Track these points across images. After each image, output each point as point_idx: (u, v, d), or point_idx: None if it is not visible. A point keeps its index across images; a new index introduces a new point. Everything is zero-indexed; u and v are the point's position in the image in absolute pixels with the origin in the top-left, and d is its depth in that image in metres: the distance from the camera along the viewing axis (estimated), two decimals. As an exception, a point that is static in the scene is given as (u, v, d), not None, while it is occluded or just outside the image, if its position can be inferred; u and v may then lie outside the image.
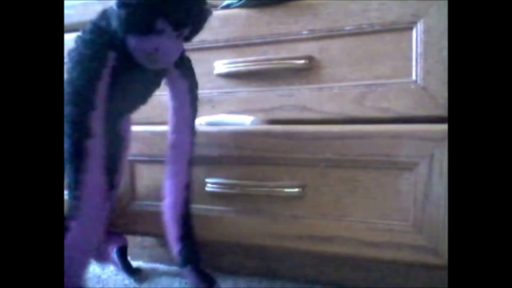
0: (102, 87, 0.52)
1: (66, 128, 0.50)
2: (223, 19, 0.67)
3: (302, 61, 0.63)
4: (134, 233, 0.76)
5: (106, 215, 0.58)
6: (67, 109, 0.50)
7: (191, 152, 0.61)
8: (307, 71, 0.63)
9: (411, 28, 0.57)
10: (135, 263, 0.79)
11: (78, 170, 0.51)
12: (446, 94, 0.55)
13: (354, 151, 0.59)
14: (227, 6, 0.68)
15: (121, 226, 0.76)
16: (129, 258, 0.81)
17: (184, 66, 0.59)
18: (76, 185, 0.51)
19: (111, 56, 0.52)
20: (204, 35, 0.68)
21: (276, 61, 0.64)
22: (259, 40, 0.66)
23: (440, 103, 0.56)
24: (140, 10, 0.48)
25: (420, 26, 0.57)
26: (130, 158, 0.74)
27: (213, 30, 0.68)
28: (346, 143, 0.60)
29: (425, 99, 0.57)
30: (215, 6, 0.71)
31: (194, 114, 0.61)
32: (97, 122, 0.51)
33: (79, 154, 0.50)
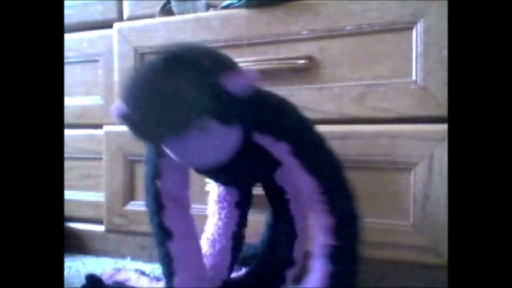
0: (165, 184, 0.48)
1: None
2: (223, 19, 0.67)
3: (302, 61, 0.63)
4: (134, 233, 0.76)
5: None
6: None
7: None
8: (307, 71, 0.63)
9: (411, 28, 0.57)
10: (135, 263, 0.79)
11: (168, 272, 0.49)
12: (446, 94, 0.55)
13: (354, 151, 0.59)
14: (227, 6, 0.68)
15: (121, 226, 0.76)
16: (129, 258, 0.82)
17: (274, 125, 0.44)
18: (170, 285, 0.49)
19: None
20: (204, 35, 0.68)
21: (276, 61, 0.64)
22: (259, 40, 0.66)
23: (440, 103, 0.56)
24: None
25: (420, 26, 0.57)
26: (130, 158, 0.75)
27: (213, 30, 0.68)
28: (346, 143, 0.60)
29: (425, 99, 0.57)
30: (215, 6, 0.71)
31: (321, 184, 0.44)
32: (173, 221, 0.48)
33: (166, 256, 0.48)
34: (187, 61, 0.38)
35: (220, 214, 0.56)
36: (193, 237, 0.51)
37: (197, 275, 0.50)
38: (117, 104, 0.39)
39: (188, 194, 0.51)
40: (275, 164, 0.48)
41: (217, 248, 0.55)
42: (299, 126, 0.45)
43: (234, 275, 0.57)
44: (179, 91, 0.36)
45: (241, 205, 0.56)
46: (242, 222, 0.56)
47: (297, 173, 0.44)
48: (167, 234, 0.48)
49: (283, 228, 0.53)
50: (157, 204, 0.48)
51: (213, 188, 0.58)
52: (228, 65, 0.40)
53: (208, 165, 0.44)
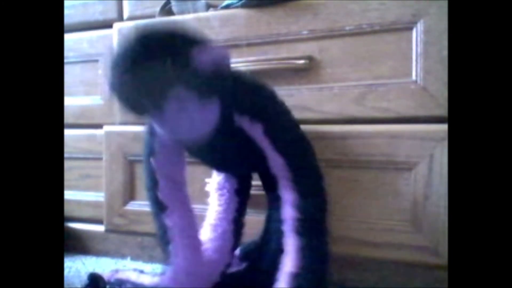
0: (158, 162, 0.52)
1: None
2: (223, 19, 0.67)
3: (302, 61, 0.63)
4: (134, 233, 0.76)
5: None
6: None
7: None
8: (307, 71, 0.63)
9: (411, 28, 0.57)
10: (135, 263, 0.79)
11: (164, 242, 0.53)
12: (446, 94, 0.55)
13: (354, 151, 0.59)
14: (227, 6, 0.68)
15: (121, 226, 0.76)
16: (129, 258, 0.82)
17: (251, 106, 0.48)
18: (165, 258, 0.53)
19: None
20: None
21: (276, 61, 0.64)
22: (259, 40, 0.66)
23: (440, 103, 0.56)
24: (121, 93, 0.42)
25: (420, 26, 0.57)
26: (130, 158, 0.75)
27: (213, 30, 0.68)
28: (346, 143, 0.60)
29: (425, 99, 0.57)
30: (215, 6, 0.71)
31: (288, 162, 0.47)
32: (166, 195, 0.52)
33: (160, 227, 0.53)
34: (160, 38, 0.40)
35: (220, 200, 0.59)
36: (187, 210, 0.54)
37: (190, 243, 0.54)
38: (108, 79, 0.42)
39: (182, 172, 0.55)
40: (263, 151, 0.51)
41: (219, 231, 0.58)
42: (273, 108, 0.49)
43: (235, 269, 0.59)
44: (153, 66, 0.39)
45: (240, 193, 0.59)
46: (241, 208, 0.59)
47: (268, 152, 0.47)
48: (161, 207, 0.52)
49: (277, 216, 0.54)
50: (152, 180, 0.53)
51: (213, 178, 0.61)
52: (199, 42, 0.42)
53: (191, 138, 0.47)
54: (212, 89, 0.43)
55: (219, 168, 0.58)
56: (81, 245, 0.86)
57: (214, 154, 0.53)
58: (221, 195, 0.59)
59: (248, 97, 0.48)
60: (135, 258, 0.81)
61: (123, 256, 0.82)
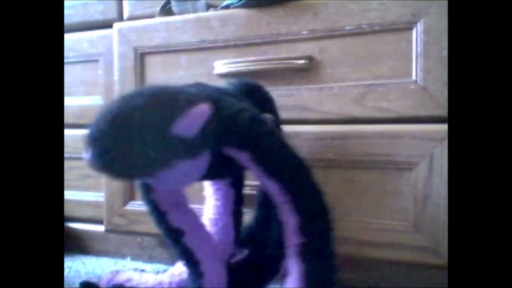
0: (158, 195, 0.52)
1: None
2: (223, 19, 0.67)
3: (302, 61, 0.63)
4: (134, 233, 0.76)
5: None
6: None
7: None
8: (307, 71, 0.63)
9: (411, 28, 0.57)
10: (135, 263, 0.79)
11: (193, 263, 0.52)
12: (446, 94, 0.55)
13: (354, 151, 0.59)
14: (227, 6, 0.68)
15: (121, 226, 0.76)
16: (129, 258, 0.82)
17: (233, 136, 0.45)
18: (197, 278, 0.53)
19: None
20: (204, 35, 0.68)
21: (276, 61, 0.64)
22: (259, 40, 0.66)
23: (440, 103, 0.56)
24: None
25: (420, 26, 0.57)
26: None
27: (213, 30, 0.68)
28: (346, 143, 0.60)
29: (425, 99, 0.57)
30: (215, 6, 0.71)
31: (284, 185, 0.45)
32: (179, 221, 0.52)
33: (185, 251, 0.53)
34: (136, 120, 0.38)
35: (217, 195, 0.59)
36: (201, 227, 0.55)
37: (217, 256, 0.54)
38: (87, 151, 0.40)
39: (183, 193, 0.54)
40: None
41: (219, 225, 0.58)
42: (257, 134, 0.46)
43: (238, 258, 0.59)
44: (134, 144, 0.38)
45: (235, 185, 0.59)
46: (238, 199, 0.59)
47: (262, 178, 0.45)
48: (178, 233, 0.52)
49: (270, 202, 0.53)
50: (159, 212, 0.52)
51: None
52: (176, 109, 0.40)
53: (183, 186, 0.50)
54: (201, 146, 0.42)
55: (211, 180, 0.59)
56: (81, 245, 0.86)
57: (209, 176, 0.52)
58: (217, 189, 0.59)
59: (229, 128, 0.45)
60: (135, 258, 0.81)
61: (123, 256, 0.82)
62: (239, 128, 0.45)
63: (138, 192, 0.74)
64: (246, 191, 0.63)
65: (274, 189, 0.45)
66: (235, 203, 0.59)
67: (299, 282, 0.43)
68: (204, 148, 0.43)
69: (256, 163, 0.45)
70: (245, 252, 0.60)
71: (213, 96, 0.47)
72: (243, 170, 0.58)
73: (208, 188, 0.60)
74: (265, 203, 0.58)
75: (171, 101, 0.41)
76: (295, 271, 0.44)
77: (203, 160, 0.44)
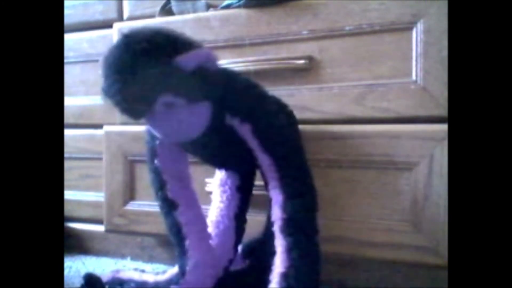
0: (162, 162, 0.53)
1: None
2: (223, 19, 0.67)
3: (302, 61, 0.63)
4: (134, 233, 0.76)
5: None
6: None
7: None
8: (307, 71, 0.63)
9: (411, 28, 0.57)
10: (135, 263, 0.79)
11: (179, 238, 0.53)
12: (446, 94, 0.55)
13: (354, 151, 0.59)
14: (227, 6, 0.68)
15: (121, 226, 0.76)
16: (129, 258, 0.82)
17: (241, 106, 0.48)
18: (181, 255, 0.54)
19: None
20: (204, 35, 0.68)
21: (276, 61, 0.64)
22: (259, 40, 0.66)
23: (440, 103, 0.56)
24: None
25: (420, 26, 0.57)
26: (130, 158, 0.75)
27: (213, 30, 0.68)
28: (346, 143, 0.60)
29: (425, 99, 0.57)
30: (215, 6, 0.71)
31: (276, 162, 0.47)
32: (176, 193, 0.53)
33: (174, 225, 0.54)
34: (145, 44, 0.41)
35: (222, 197, 0.59)
36: (196, 206, 0.56)
37: (204, 237, 0.55)
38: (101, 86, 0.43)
39: (186, 168, 0.56)
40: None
41: (221, 228, 0.58)
42: (262, 108, 0.49)
43: (238, 267, 0.59)
44: (139, 72, 0.40)
45: (242, 189, 0.59)
46: (243, 205, 0.59)
47: (257, 152, 0.48)
48: (172, 205, 0.53)
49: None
50: (159, 181, 0.54)
51: (216, 174, 0.61)
52: (182, 45, 0.43)
53: (184, 139, 0.48)
54: (199, 92, 0.44)
55: (219, 165, 0.59)
56: (81, 245, 0.86)
57: (211, 153, 0.54)
58: (223, 191, 0.59)
59: (238, 98, 0.48)
60: (135, 258, 0.81)
61: (123, 256, 0.82)
62: (249, 101, 0.48)
63: (139, 192, 0.75)
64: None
65: (266, 164, 0.47)
66: (239, 208, 0.59)
67: (284, 256, 0.45)
68: (202, 96, 0.45)
69: (255, 135, 0.47)
70: (246, 263, 0.60)
71: (229, 69, 0.51)
72: (251, 169, 0.59)
73: (215, 190, 0.60)
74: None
75: (179, 38, 0.44)
76: (279, 246, 0.46)
77: (202, 112, 0.46)
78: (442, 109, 0.56)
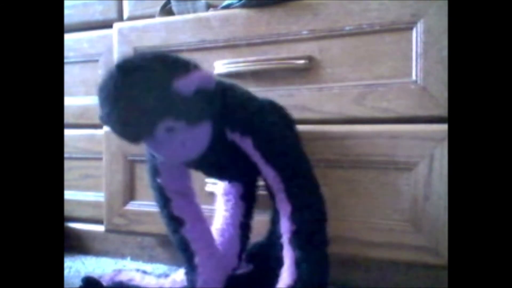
0: (165, 180, 0.53)
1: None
2: (223, 19, 0.67)
3: (302, 61, 0.63)
4: (134, 233, 0.76)
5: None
6: None
7: None
8: (307, 71, 0.63)
9: (411, 28, 0.57)
10: (135, 263, 0.79)
11: (189, 255, 0.54)
12: (446, 94, 0.55)
13: (354, 151, 0.59)
14: (227, 6, 0.68)
15: (121, 226, 0.76)
16: (129, 258, 0.82)
17: (240, 121, 0.48)
18: (191, 271, 0.54)
19: None
20: (204, 35, 0.68)
21: (276, 61, 0.64)
22: (259, 40, 0.66)
23: (440, 103, 0.56)
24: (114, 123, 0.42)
25: (420, 26, 0.57)
26: (130, 158, 0.75)
27: (213, 30, 0.68)
28: (346, 143, 0.60)
29: (425, 99, 0.57)
30: (215, 6, 0.71)
31: (280, 173, 0.47)
32: (181, 210, 0.53)
33: (182, 242, 0.54)
34: (141, 69, 0.41)
35: (226, 206, 0.59)
36: (202, 220, 0.55)
37: (213, 252, 0.55)
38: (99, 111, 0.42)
39: (190, 184, 0.55)
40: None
41: (226, 236, 0.58)
42: (262, 121, 0.49)
43: (241, 271, 0.59)
44: (137, 97, 0.40)
45: (245, 198, 0.59)
46: (247, 213, 0.59)
47: (261, 165, 0.47)
48: (178, 222, 0.53)
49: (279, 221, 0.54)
50: (163, 198, 0.53)
51: (220, 183, 0.61)
52: (179, 68, 0.43)
53: (186, 160, 0.48)
54: (199, 113, 0.44)
55: (222, 178, 0.59)
56: (81, 245, 0.86)
57: (214, 168, 0.53)
58: (227, 200, 0.59)
59: (236, 112, 0.48)
60: (135, 258, 0.81)
61: (123, 256, 0.82)
62: (247, 115, 0.48)
63: (139, 192, 0.75)
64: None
65: (271, 176, 0.47)
66: (244, 216, 0.59)
67: (292, 269, 0.45)
68: (203, 117, 0.45)
69: (256, 148, 0.47)
70: (250, 267, 0.60)
71: (225, 83, 0.50)
72: (254, 178, 0.59)
73: (220, 199, 0.60)
74: (277, 221, 0.57)
75: (175, 62, 0.43)
76: (287, 258, 0.46)
77: (203, 132, 0.46)
78: (442, 109, 0.56)
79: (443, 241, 0.55)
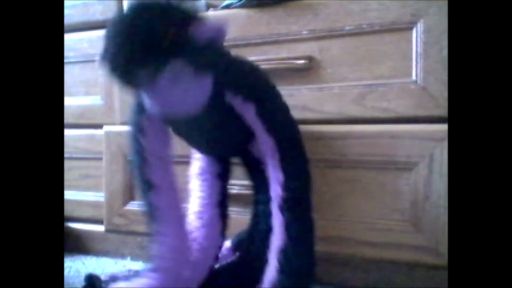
0: (147, 140, 0.52)
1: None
2: (223, 19, 0.67)
3: (302, 61, 0.63)
4: (134, 233, 0.76)
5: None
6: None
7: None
8: (307, 71, 0.63)
9: (411, 28, 0.57)
10: (135, 263, 0.79)
11: (151, 220, 0.53)
12: (446, 94, 0.55)
13: (354, 151, 0.59)
14: (227, 6, 0.68)
15: (121, 226, 0.76)
16: (129, 258, 0.82)
17: (245, 86, 0.48)
18: (153, 239, 0.53)
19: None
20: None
21: (276, 61, 0.64)
22: (259, 40, 0.66)
23: (440, 103, 0.56)
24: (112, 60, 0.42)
25: (420, 26, 0.57)
26: (130, 158, 0.75)
27: (213, 30, 0.68)
28: (346, 143, 0.60)
29: (425, 99, 0.57)
30: (215, 6, 0.71)
31: (278, 143, 0.48)
32: (156, 175, 0.53)
33: (148, 206, 0.53)
34: (158, 10, 0.41)
35: (202, 186, 0.59)
36: (174, 189, 0.55)
37: (177, 221, 0.54)
38: (103, 49, 0.42)
39: (170, 151, 0.55)
40: (249, 133, 0.51)
41: (205, 218, 0.57)
42: (266, 90, 0.50)
43: (228, 260, 0.59)
44: (150, 36, 0.40)
45: (222, 177, 0.59)
46: (224, 192, 0.60)
47: (259, 132, 0.48)
48: (150, 186, 0.53)
49: (263, 198, 0.54)
50: (141, 160, 0.53)
51: (195, 163, 0.61)
52: (196, 14, 0.43)
53: (184, 112, 0.47)
54: (207, 63, 0.44)
55: (204, 149, 0.58)
56: (81, 245, 0.86)
57: (201, 133, 0.53)
58: (203, 180, 0.59)
59: (243, 77, 0.49)
60: (135, 258, 0.81)
61: (123, 256, 0.82)
62: (252, 81, 0.49)
63: (138, 192, 0.75)
64: (235, 190, 0.64)
65: (268, 145, 0.48)
66: (221, 194, 0.59)
67: (282, 232, 0.46)
68: (209, 68, 0.45)
69: (259, 116, 0.48)
70: (236, 255, 0.60)
71: (234, 56, 0.51)
72: (235, 156, 0.59)
73: (194, 179, 0.60)
74: (259, 213, 0.57)
75: (188, 8, 0.43)
76: (277, 223, 0.47)
77: (206, 85, 0.46)
78: (442, 109, 0.56)
79: (443, 241, 0.55)
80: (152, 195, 0.52)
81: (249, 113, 0.48)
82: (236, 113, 0.49)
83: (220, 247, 0.58)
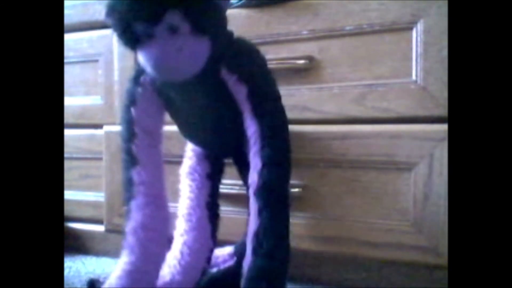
0: (139, 112, 0.51)
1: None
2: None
3: (302, 61, 0.63)
4: (134, 233, 0.76)
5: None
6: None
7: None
8: (307, 71, 0.63)
9: (411, 28, 0.57)
10: (135, 263, 0.79)
11: (128, 196, 0.52)
12: (446, 94, 0.55)
13: (354, 151, 0.59)
14: (227, 6, 0.68)
15: (121, 226, 0.76)
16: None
17: (242, 66, 0.48)
18: (127, 212, 0.52)
19: (145, 79, 0.50)
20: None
21: (276, 61, 0.64)
22: (259, 40, 0.66)
23: (440, 103, 0.56)
24: (118, 15, 0.41)
25: (420, 26, 0.57)
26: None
27: (213, 30, 0.68)
28: (346, 143, 0.60)
29: (425, 99, 0.57)
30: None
31: (262, 130, 0.47)
32: (141, 150, 0.51)
33: (128, 181, 0.51)
34: None
35: (191, 186, 0.58)
36: (157, 168, 0.53)
37: (153, 201, 0.52)
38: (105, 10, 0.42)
39: (160, 127, 0.54)
40: (239, 116, 0.50)
41: (194, 221, 0.56)
42: (261, 75, 0.49)
43: (226, 264, 0.59)
44: None
45: (212, 177, 0.58)
46: (214, 193, 0.58)
47: (246, 115, 0.48)
48: (133, 161, 0.51)
49: None
50: (130, 132, 0.51)
51: (185, 162, 0.59)
52: None
53: (178, 76, 0.45)
54: (207, 24, 0.43)
55: (194, 132, 0.57)
56: (81, 245, 0.86)
57: (192, 108, 0.52)
58: (192, 180, 0.58)
59: (241, 57, 0.48)
60: (135, 258, 0.81)
61: (123, 256, 0.82)
62: (249, 63, 0.49)
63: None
64: (226, 189, 0.64)
65: (251, 129, 0.47)
66: (210, 195, 0.58)
67: (255, 217, 0.46)
68: (208, 31, 0.43)
69: (249, 99, 0.47)
70: (234, 260, 0.59)
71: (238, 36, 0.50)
72: (224, 156, 0.59)
73: (184, 179, 0.59)
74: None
75: None
76: (252, 210, 0.47)
77: (202, 48, 0.44)
78: (442, 109, 0.56)
79: (443, 241, 0.55)
80: (134, 171, 0.51)
81: (240, 94, 0.47)
82: (228, 93, 0.48)
83: (211, 250, 0.57)
